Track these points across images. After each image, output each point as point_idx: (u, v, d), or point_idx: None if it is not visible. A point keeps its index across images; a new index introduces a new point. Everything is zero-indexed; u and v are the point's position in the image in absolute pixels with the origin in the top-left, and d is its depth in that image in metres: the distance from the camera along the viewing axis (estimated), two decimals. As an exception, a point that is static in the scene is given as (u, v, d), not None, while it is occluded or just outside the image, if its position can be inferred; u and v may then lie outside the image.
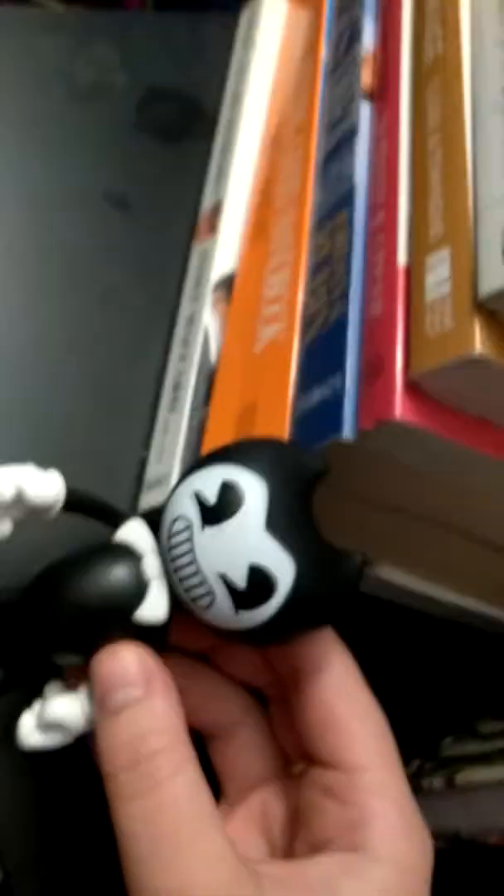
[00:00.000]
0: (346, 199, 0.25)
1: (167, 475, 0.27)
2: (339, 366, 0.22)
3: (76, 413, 0.28)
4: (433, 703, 0.31)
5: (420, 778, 0.26)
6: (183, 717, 0.19)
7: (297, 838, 0.21)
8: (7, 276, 0.29)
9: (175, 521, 0.19)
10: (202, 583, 0.18)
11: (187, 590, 0.19)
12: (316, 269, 0.26)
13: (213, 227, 0.32)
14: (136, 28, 0.36)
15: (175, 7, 0.43)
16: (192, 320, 0.30)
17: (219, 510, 0.18)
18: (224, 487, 0.18)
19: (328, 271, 0.25)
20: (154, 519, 0.20)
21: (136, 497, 0.28)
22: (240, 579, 0.18)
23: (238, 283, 0.30)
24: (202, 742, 0.23)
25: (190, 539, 0.18)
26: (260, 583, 0.18)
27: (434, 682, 0.32)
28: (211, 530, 0.18)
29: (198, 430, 0.27)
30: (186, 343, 0.30)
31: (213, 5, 0.39)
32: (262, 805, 0.22)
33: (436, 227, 0.21)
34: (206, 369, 0.28)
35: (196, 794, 0.18)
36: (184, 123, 0.35)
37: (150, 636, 0.19)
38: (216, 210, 0.32)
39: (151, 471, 0.28)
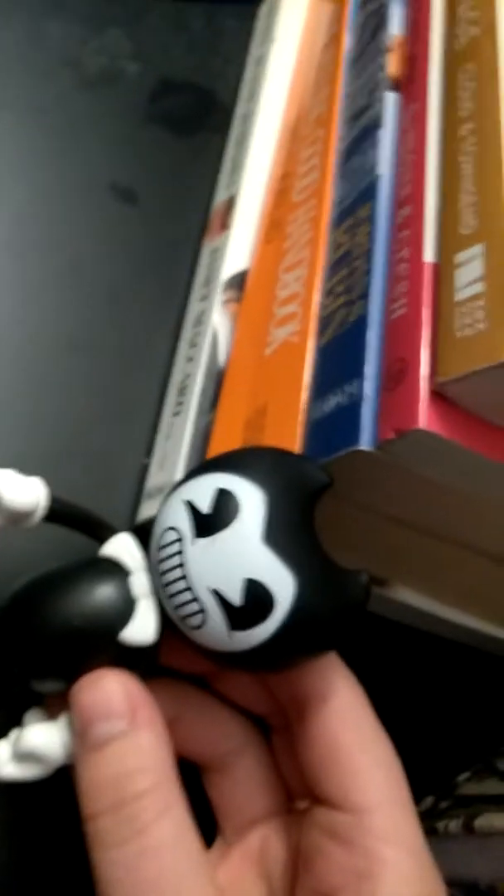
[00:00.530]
0: (369, 193, 0.23)
1: (169, 483, 0.25)
2: (358, 370, 0.20)
3: (74, 416, 0.27)
4: (447, 734, 0.29)
5: (434, 818, 0.24)
6: (171, 752, 0.17)
7: (299, 884, 0.19)
8: (7, 269, 0.28)
9: (165, 532, 0.17)
10: (193, 599, 0.17)
11: (177, 607, 0.17)
12: (334, 267, 0.24)
13: (225, 223, 0.30)
14: (150, 16, 0.35)
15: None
16: (201, 320, 0.28)
17: (213, 520, 0.17)
18: (219, 496, 0.17)
19: (347, 269, 0.23)
20: (146, 532, 0.18)
21: (135, 507, 0.26)
22: (234, 595, 0.16)
23: (250, 281, 0.28)
24: (196, 773, 0.21)
25: (181, 551, 0.17)
26: (257, 599, 0.16)
27: (448, 711, 0.30)
28: (204, 542, 0.17)
29: (203, 436, 0.26)
30: (194, 344, 0.28)
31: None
32: (262, 844, 0.20)
33: (468, 222, 0.19)
34: (214, 372, 0.27)
35: (183, 839, 0.16)
36: (198, 116, 0.33)
37: (138, 659, 0.17)
38: (229, 206, 0.31)
39: (153, 479, 0.27)
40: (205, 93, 0.34)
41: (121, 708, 0.17)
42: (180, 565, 0.17)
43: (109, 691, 0.17)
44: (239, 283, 0.29)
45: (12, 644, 0.17)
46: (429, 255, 0.20)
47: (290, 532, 0.17)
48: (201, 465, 0.18)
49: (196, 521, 0.17)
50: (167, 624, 0.18)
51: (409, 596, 0.26)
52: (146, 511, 0.26)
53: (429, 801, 0.26)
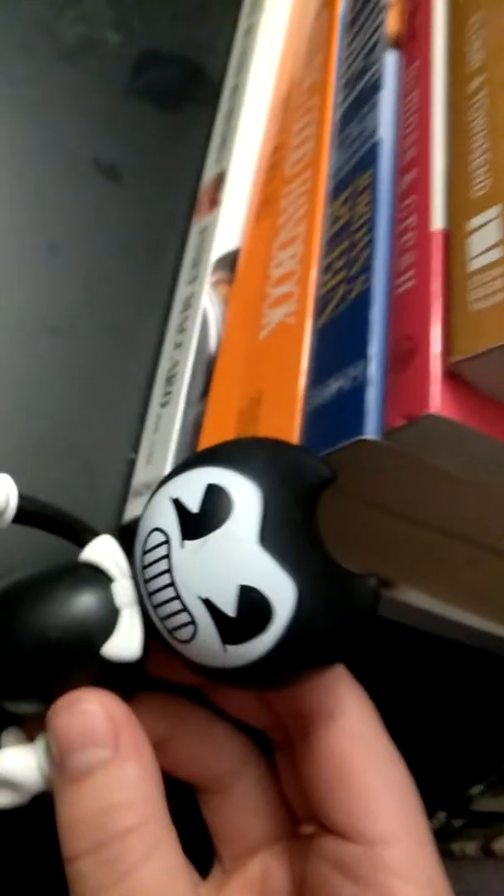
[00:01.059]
0: (369, 160, 0.21)
1: (157, 480, 0.23)
2: (361, 351, 0.18)
3: (53, 407, 0.25)
4: (457, 742, 0.28)
5: (449, 839, 0.22)
6: (159, 781, 0.16)
7: None
8: (-21, 251, 0.26)
9: (150, 534, 0.16)
10: (182, 609, 0.15)
11: (164, 618, 0.15)
12: (332, 241, 0.22)
13: (214, 200, 0.28)
14: (133, -15, 0.33)
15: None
16: (190, 304, 0.26)
17: (203, 520, 0.15)
18: (209, 492, 0.15)
19: (347, 243, 0.21)
20: (132, 534, 0.16)
21: (121, 505, 0.24)
22: (228, 604, 0.15)
23: (242, 261, 0.26)
24: (191, 794, 0.19)
25: (167, 555, 0.15)
26: (253, 608, 0.14)
27: (457, 718, 0.28)
28: (193, 544, 0.15)
29: (193, 428, 0.24)
30: (182, 329, 0.26)
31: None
32: (263, 873, 0.19)
33: (480, 184, 0.17)
34: (205, 359, 0.25)
35: (172, 881, 0.15)
36: (184, 88, 0.32)
37: (122, 675, 0.16)
38: (219, 182, 0.29)
39: (140, 475, 0.25)
40: (191, 65, 0.32)
41: (102, 734, 0.15)
42: (167, 571, 0.15)
43: (90, 715, 0.15)
44: (230, 263, 0.27)
45: None
46: (437, 222, 0.18)
47: (288, 532, 0.15)
48: (190, 459, 0.16)
49: (184, 522, 0.15)
50: (154, 636, 0.16)
51: (417, 598, 0.25)
52: (133, 510, 0.24)
53: (441, 817, 0.24)
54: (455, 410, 0.16)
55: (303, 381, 0.20)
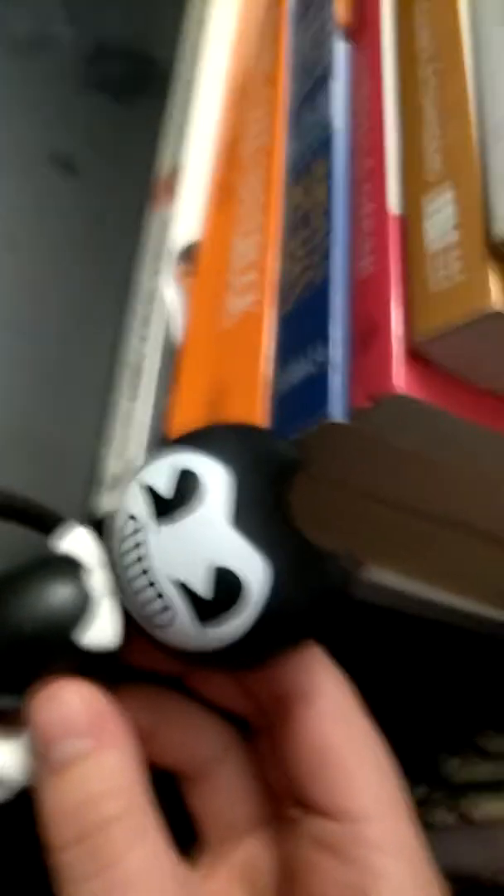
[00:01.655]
0: (324, 147, 0.22)
1: (128, 472, 0.23)
2: (323, 335, 0.19)
3: (16, 402, 0.25)
4: (432, 716, 0.28)
5: (429, 809, 0.22)
6: (142, 770, 0.16)
7: None
8: None
9: (125, 522, 0.16)
10: (158, 595, 0.15)
11: (142, 605, 0.15)
12: (292, 230, 0.22)
13: (172, 192, 0.28)
14: (81, -22, 0.33)
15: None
16: (153, 297, 0.27)
17: (175, 504, 0.15)
18: (181, 478, 0.15)
19: (307, 231, 0.21)
20: (104, 524, 0.17)
21: (88, 498, 0.24)
22: (203, 585, 0.15)
23: (203, 252, 0.26)
24: (173, 782, 0.19)
25: (143, 542, 0.15)
26: (228, 588, 0.15)
27: (432, 693, 0.29)
28: (166, 529, 0.15)
29: (163, 419, 0.24)
30: (146, 322, 0.26)
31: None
32: (249, 857, 0.19)
33: (434, 166, 0.18)
34: (170, 351, 0.25)
35: (157, 869, 0.15)
36: (137, 81, 0.32)
37: (100, 665, 0.16)
38: (175, 173, 0.29)
39: (110, 468, 0.25)
40: (143, 57, 0.32)
41: (83, 724, 0.15)
42: (141, 558, 0.15)
43: (69, 705, 0.15)
44: (191, 254, 0.27)
45: None
46: (394, 206, 0.19)
47: (260, 514, 0.15)
48: (162, 446, 0.17)
49: (157, 507, 0.15)
50: (133, 625, 0.16)
51: (386, 577, 0.25)
52: (104, 504, 0.24)
53: (422, 790, 0.25)
54: (418, 390, 0.16)
55: (267, 367, 0.20)
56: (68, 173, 0.28)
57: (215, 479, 0.15)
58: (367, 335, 0.18)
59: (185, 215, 0.27)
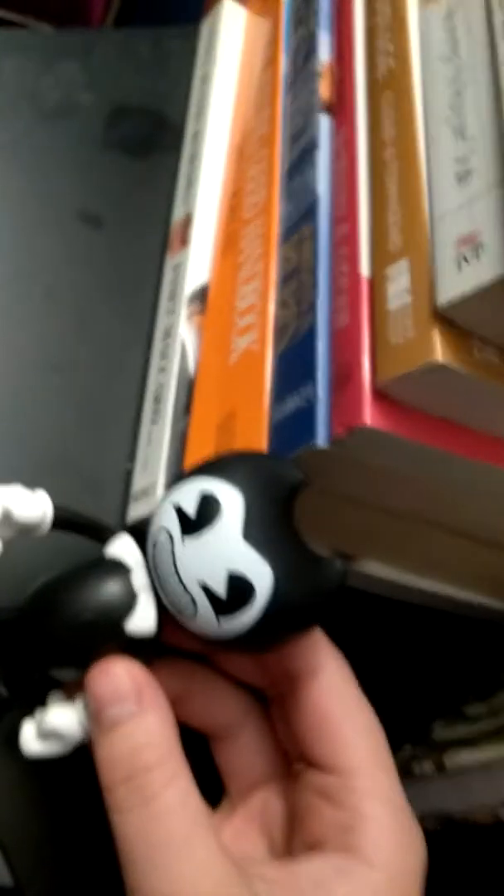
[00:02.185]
0: (310, 212, 0.26)
1: (153, 485, 0.28)
2: (311, 375, 0.23)
3: (60, 430, 0.29)
4: (421, 689, 0.32)
5: (411, 763, 0.27)
6: (175, 728, 0.20)
7: (294, 838, 0.21)
8: (-14, 299, 0.30)
9: (158, 532, 0.20)
10: (185, 592, 0.19)
11: (172, 600, 0.20)
12: (285, 279, 0.26)
13: (184, 239, 0.33)
14: (99, 45, 0.37)
15: (135, 22, 0.44)
16: (169, 333, 0.31)
17: (198, 521, 0.19)
18: (203, 499, 0.19)
19: (297, 282, 0.26)
20: (142, 531, 0.21)
21: (123, 509, 0.29)
22: (219, 587, 0.19)
23: (211, 294, 0.31)
24: (204, 741, 0.24)
25: (172, 550, 0.19)
26: (239, 590, 0.18)
27: (420, 669, 0.33)
28: (191, 541, 0.19)
29: (180, 440, 0.28)
30: (165, 355, 0.31)
31: (173, 19, 0.39)
32: (263, 804, 0.23)
33: (394, 239, 0.22)
34: (186, 380, 0.29)
35: (188, 803, 0.19)
36: (151, 137, 0.36)
37: (142, 647, 0.20)
38: (187, 222, 0.33)
39: (137, 482, 0.29)
40: (156, 115, 0.36)
41: (128, 693, 0.19)
42: (172, 563, 0.19)
43: (118, 678, 0.19)
44: (201, 295, 0.31)
45: (32, 638, 0.20)
46: (364, 269, 0.23)
47: (267, 528, 0.19)
48: (189, 471, 0.21)
49: (183, 523, 0.19)
50: (166, 614, 0.20)
51: (375, 568, 0.29)
52: (134, 512, 0.28)
53: (407, 749, 0.29)
54: (382, 422, 0.21)
55: (267, 399, 0.25)
56: (94, 227, 0.33)
57: (230, 500, 0.19)
58: (342, 377, 0.22)
59: (196, 261, 0.32)
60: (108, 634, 0.20)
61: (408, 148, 0.22)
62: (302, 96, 0.29)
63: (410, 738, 0.30)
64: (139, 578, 0.20)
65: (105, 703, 0.19)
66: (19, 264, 0.31)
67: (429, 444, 0.21)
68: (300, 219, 0.27)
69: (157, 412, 0.29)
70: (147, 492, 0.28)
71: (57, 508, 0.21)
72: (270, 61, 0.33)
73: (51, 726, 0.20)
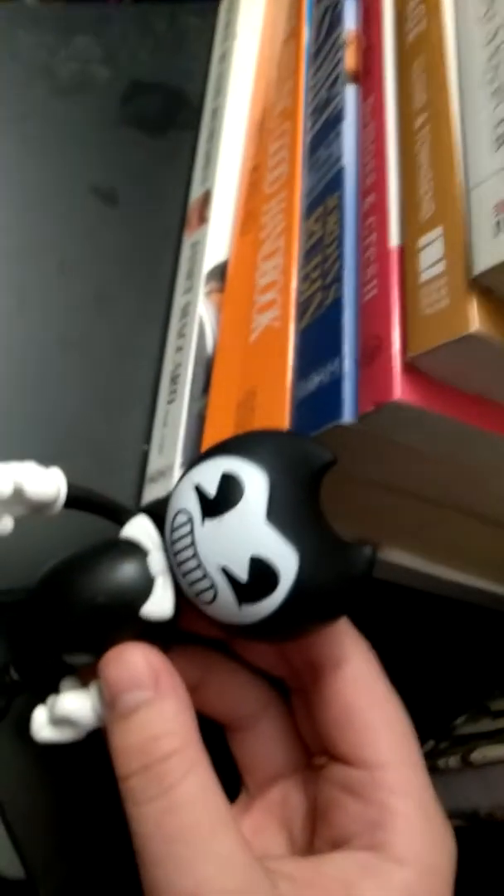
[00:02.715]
0: (336, 183, 0.25)
1: (169, 467, 0.27)
2: (336, 350, 0.22)
3: (75, 410, 0.28)
4: (444, 683, 0.32)
5: (435, 758, 0.26)
6: (193, 716, 0.19)
7: (316, 834, 0.20)
8: (0, 275, 0.29)
9: (177, 514, 0.19)
10: (204, 576, 0.18)
11: (190, 584, 0.18)
12: (308, 254, 0.26)
13: (202, 217, 0.32)
14: (115, 21, 0.36)
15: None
16: (187, 311, 0.30)
17: (219, 502, 0.18)
18: (224, 479, 0.18)
19: (320, 256, 0.25)
20: (160, 512, 0.20)
21: (139, 490, 0.28)
22: (241, 571, 0.17)
23: (231, 272, 0.30)
24: (221, 732, 0.23)
25: (191, 532, 0.18)
26: (262, 574, 0.17)
27: (444, 662, 0.32)
28: (211, 523, 0.18)
29: (198, 420, 0.27)
30: (182, 334, 0.30)
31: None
32: (283, 797, 0.22)
33: (427, 207, 0.21)
34: (204, 359, 0.28)
35: (208, 794, 0.18)
36: (168, 114, 0.35)
37: (158, 632, 0.19)
38: (205, 200, 0.32)
39: (153, 463, 0.28)
40: (173, 91, 0.36)
41: (145, 678, 0.18)
42: (191, 545, 0.18)
43: (134, 664, 0.18)
44: (220, 273, 0.30)
45: (44, 622, 0.19)
46: (394, 239, 0.22)
47: (292, 510, 0.18)
48: (210, 449, 0.19)
49: (204, 504, 0.18)
50: (183, 599, 0.19)
51: (398, 556, 0.28)
52: (149, 493, 0.28)
53: (430, 744, 0.28)
54: (414, 396, 0.20)
55: (290, 376, 0.24)
56: (110, 203, 0.32)
57: (253, 480, 0.18)
58: (371, 351, 0.21)
59: (215, 238, 0.31)
60: (123, 619, 0.19)
61: (441, 113, 0.21)
62: (326, 67, 0.29)
63: (434, 732, 0.29)
64: (156, 561, 0.19)
65: (120, 689, 0.18)
66: (33, 238, 0.30)
67: (462, 421, 0.20)
68: (324, 191, 0.26)
69: (173, 392, 0.29)
70: (163, 473, 0.27)
71: (71, 486, 0.20)
72: (293, 34, 0.32)
73: (63, 712, 0.19)
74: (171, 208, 0.33)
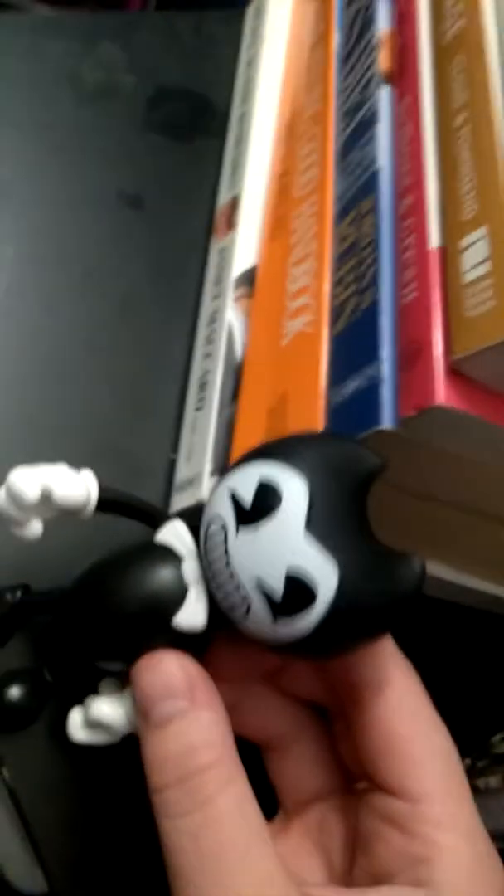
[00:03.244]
0: (371, 186, 0.24)
1: (198, 475, 0.26)
2: (375, 354, 0.21)
3: (101, 417, 0.28)
4: (480, 698, 0.31)
5: (473, 777, 0.25)
6: (230, 729, 0.18)
7: (356, 865, 0.19)
8: (27, 281, 0.29)
9: (211, 522, 0.18)
10: (237, 589, 0.17)
11: (223, 597, 0.18)
12: (341, 258, 0.25)
13: (231, 222, 0.31)
14: (141, 28, 0.36)
15: (176, 6, 0.43)
16: (215, 318, 0.30)
17: (255, 511, 0.17)
18: (261, 486, 0.17)
19: (355, 260, 0.24)
20: (196, 519, 0.19)
21: (166, 500, 0.28)
22: (276, 586, 0.16)
23: (260, 277, 0.29)
24: (257, 753, 0.22)
25: (224, 542, 0.17)
26: (298, 589, 0.16)
27: (479, 676, 0.31)
28: (246, 533, 0.17)
29: (227, 427, 0.27)
30: (210, 341, 0.29)
31: (214, 3, 0.38)
32: (320, 821, 0.21)
33: (469, 207, 0.20)
34: (233, 366, 0.28)
35: (246, 810, 0.17)
36: (195, 120, 0.35)
37: (191, 644, 0.18)
38: (233, 205, 0.32)
39: (181, 472, 0.28)
40: (200, 98, 0.35)
41: (181, 688, 0.17)
42: (224, 556, 0.17)
43: (169, 672, 0.18)
44: (249, 279, 0.30)
45: (75, 626, 0.19)
46: (434, 240, 0.21)
47: (335, 520, 0.17)
48: (249, 453, 0.18)
49: (239, 512, 0.17)
50: (217, 610, 0.18)
51: (433, 567, 0.28)
52: (177, 503, 0.27)
53: (466, 762, 0.27)
54: (457, 401, 0.19)
55: (323, 381, 0.23)
56: (136, 209, 0.31)
57: (292, 488, 0.17)
58: (411, 355, 0.20)
59: (243, 244, 0.30)
60: (155, 628, 0.18)
61: (483, 112, 0.21)
62: (358, 69, 0.28)
63: (470, 749, 0.28)
64: (190, 570, 0.18)
65: (155, 698, 0.18)
66: (59, 245, 0.30)
67: (506, 426, 0.20)
68: (358, 194, 0.25)
69: (202, 399, 0.28)
70: (191, 482, 0.27)
71: (104, 489, 0.19)
72: (322, 38, 0.31)
73: (95, 717, 0.19)
74: (197, 215, 0.32)
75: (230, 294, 0.29)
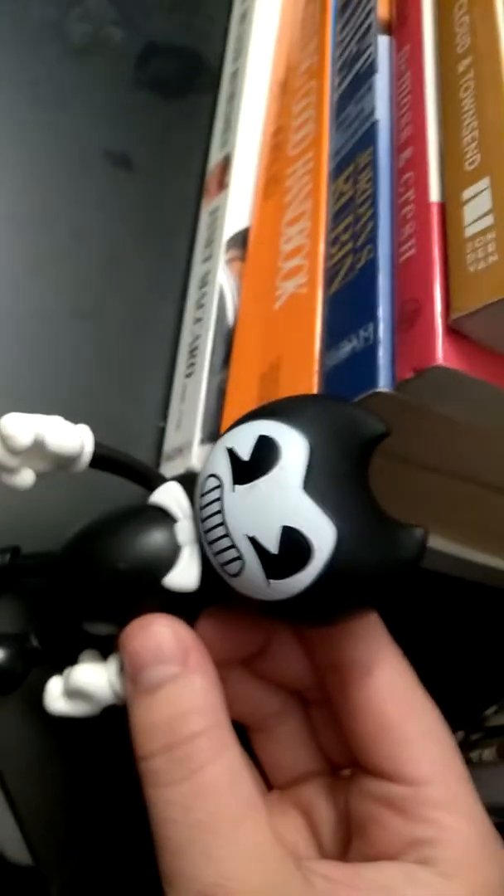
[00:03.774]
0: (368, 139, 0.23)
1: (187, 444, 0.25)
2: (371, 315, 0.20)
3: (87, 384, 0.27)
4: (473, 670, 0.30)
5: (467, 750, 0.24)
6: (223, 697, 0.17)
7: (352, 848, 0.19)
8: (10, 241, 0.28)
9: (206, 479, 0.17)
10: (231, 546, 0.16)
11: (216, 553, 0.17)
12: (336, 216, 0.24)
13: (222, 182, 0.30)
14: (130, -20, 0.34)
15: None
16: (206, 281, 0.29)
17: (252, 466, 0.16)
18: (259, 442, 0.16)
19: (351, 217, 0.23)
20: (190, 484, 0.19)
21: (155, 469, 0.27)
22: (271, 542, 0.16)
23: (253, 238, 0.28)
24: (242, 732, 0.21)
25: (220, 498, 0.17)
26: (293, 547, 0.16)
27: (473, 649, 0.30)
28: (242, 488, 0.16)
29: (218, 394, 0.26)
30: (201, 304, 0.28)
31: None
32: (309, 801, 0.20)
33: (472, 157, 0.19)
34: (224, 331, 0.27)
35: (238, 780, 0.16)
36: (186, 77, 0.33)
37: (181, 605, 0.18)
38: (225, 165, 0.31)
39: (170, 440, 0.27)
40: (191, 54, 0.34)
41: (172, 652, 0.17)
42: (219, 512, 0.17)
43: (160, 636, 0.17)
44: (241, 241, 0.29)
45: (64, 587, 0.18)
46: (434, 194, 0.20)
47: (335, 481, 0.16)
48: (249, 413, 0.18)
49: (235, 468, 0.17)
50: (211, 571, 0.18)
51: (430, 539, 0.27)
52: (166, 472, 0.26)
53: (460, 735, 0.27)
54: (457, 361, 0.18)
55: (318, 343, 0.22)
56: (124, 169, 0.30)
57: (291, 445, 0.16)
58: (409, 314, 0.19)
59: (236, 204, 0.29)
60: (145, 588, 0.17)
61: (489, 55, 0.20)
62: (355, 20, 0.27)
63: (463, 722, 0.27)
64: (184, 530, 0.18)
65: (145, 662, 0.17)
66: (44, 205, 0.29)
67: (509, 388, 0.19)
68: (355, 148, 0.24)
69: (192, 365, 0.27)
70: (181, 451, 0.26)
71: (99, 445, 0.19)
72: (318, -11, 0.30)
73: (76, 684, 0.18)
74: (188, 174, 0.31)
75: (222, 256, 0.28)
